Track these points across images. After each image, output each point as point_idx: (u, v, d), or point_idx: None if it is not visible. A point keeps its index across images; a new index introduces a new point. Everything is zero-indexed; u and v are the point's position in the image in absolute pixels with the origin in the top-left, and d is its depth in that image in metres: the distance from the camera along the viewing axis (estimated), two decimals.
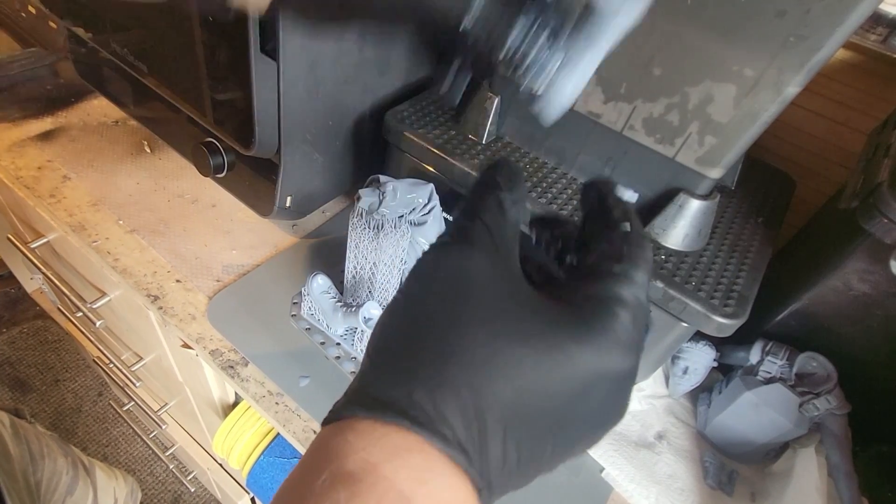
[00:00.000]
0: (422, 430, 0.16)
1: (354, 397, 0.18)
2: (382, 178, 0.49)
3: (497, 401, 0.16)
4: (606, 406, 0.19)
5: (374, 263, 0.52)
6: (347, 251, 0.52)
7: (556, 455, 0.18)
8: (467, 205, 0.20)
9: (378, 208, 0.49)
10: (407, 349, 0.17)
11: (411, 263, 0.52)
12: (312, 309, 0.55)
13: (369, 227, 0.50)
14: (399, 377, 0.17)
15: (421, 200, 0.50)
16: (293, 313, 0.57)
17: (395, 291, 0.52)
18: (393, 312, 0.19)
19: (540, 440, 0.17)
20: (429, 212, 0.51)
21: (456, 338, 0.17)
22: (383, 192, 0.48)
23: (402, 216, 0.50)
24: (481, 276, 0.18)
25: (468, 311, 0.17)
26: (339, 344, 0.54)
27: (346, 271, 0.54)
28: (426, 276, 0.19)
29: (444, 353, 0.17)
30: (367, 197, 0.49)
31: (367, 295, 0.56)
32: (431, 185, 0.50)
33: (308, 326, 0.56)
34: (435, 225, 0.52)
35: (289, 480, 0.17)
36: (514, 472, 0.17)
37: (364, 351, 0.23)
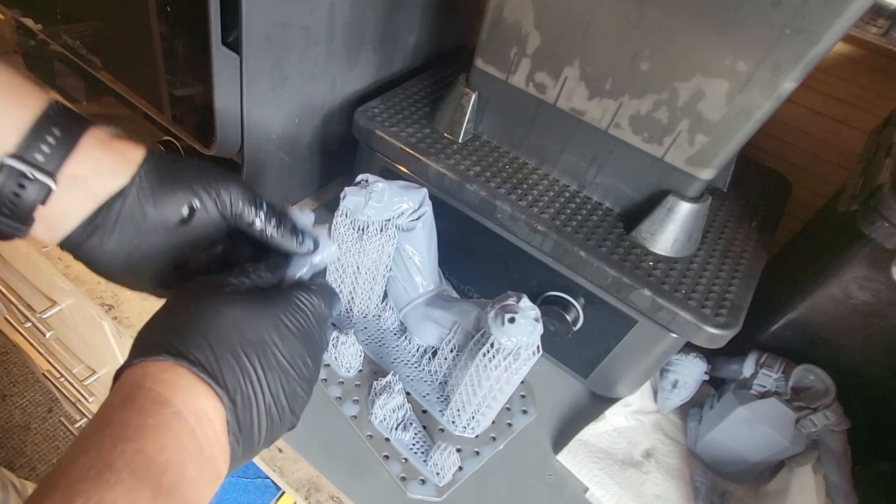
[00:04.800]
0: (175, 357, 0.26)
1: (128, 357, 0.27)
2: (372, 177, 0.47)
3: (222, 338, 0.27)
4: (286, 340, 0.30)
5: (357, 267, 0.51)
6: None
7: (275, 370, 0.29)
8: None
9: (362, 209, 0.47)
10: (163, 320, 0.28)
11: (397, 270, 0.51)
12: None
13: (353, 229, 0.49)
14: (162, 335, 0.27)
15: (410, 205, 0.48)
16: None
17: (378, 299, 0.49)
18: (156, 313, 0.29)
19: (260, 360, 0.28)
20: (418, 218, 0.49)
21: (196, 310, 0.28)
22: (370, 193, 0.47)
23: (390, 220, 0.49)
24: (212, 288, 0.29)
25: (203, 300, 0.28)
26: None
27: (327, 273, 0.53)
28: (178, 294, 0.30)
29: (189, 318, 0.27)
30: (352, 196, 0.47)
31: (348, 300, 0.55)
32: (424, 190, 0.49)
33: None
34: (424, 232, 0.50)
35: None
36: (250, 387, 0.27)
37: None
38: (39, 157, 0.29)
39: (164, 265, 0.34)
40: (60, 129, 0.30)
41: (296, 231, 0.35)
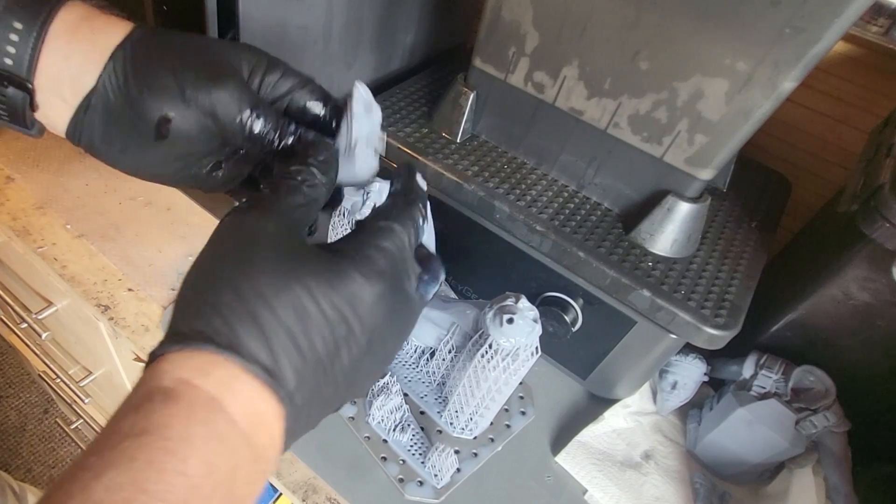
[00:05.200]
0: (222, 350, 0.20)
1: (165, 339, 0.21)
2: None
3: (281, 324, 0.21)
4: (369, 323, 0.23)
5: None
6: None
7: (349, 370, 0.23)
8: (273, 178, 0.26)
9: (360, 209, 0.47)
10: (207, 293, 0.21)
11: None
12: None
13: (350, 227, 0.48)
14: (202, 314, 0.21)
15: None
16: None
17: None
18: (197, 266, 0.23)
19: (327, 353, 0.22)
20: None
21: (245, 281, 0.21)
22: (368, 193, 0.46)
23: None
24: (266, 236, 0.23)
25: (255, 261, 0.22)
26: None
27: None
28: (223, 235, 0.23)
29: (236, 292, 0.21)
30: (350, 195, 0.47)
31: None
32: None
33: None
34: (423, 230, 0.49)
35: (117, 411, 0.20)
36: (312, 380, 0.22)
37: None
38: (7, 61, 0.25)
39: (189, 166, 0.29)
40: (22, 19, 0.25)
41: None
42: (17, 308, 0.73)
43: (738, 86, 0.40)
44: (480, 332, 0.44)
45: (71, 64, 0.26)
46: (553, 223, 0.49)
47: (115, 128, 0.27)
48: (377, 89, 0.60)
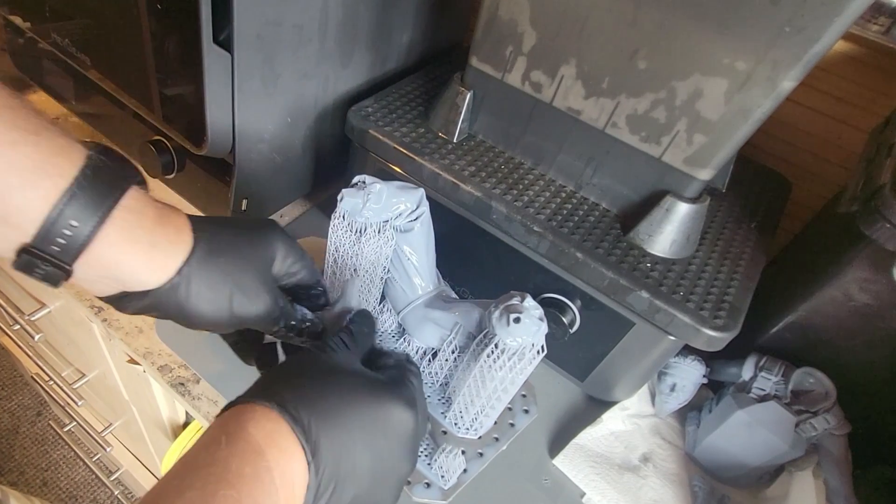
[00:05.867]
0: (280, 409, 0.27)
1: (250, 392, 0.29)
2: (369, 178, 0.47)
3: (328, 420, 0.28)
4: (399, 436, 0.31)
5: (355, 269, 0.50)
6: (326, 254, 0.50)
7: (374, 477, 0.30)
8: (341, 330, 0.37)
9: (360, 211, 0.46)
10: (293, 380, 0.30)
11: (395, 272, 0.51)
12: None
13: (351, 231, 0.48)
14: (284, 388, 0.28)
15: (408, 205, 0.48)
16: None
17: (375, 301, 0.50)
18: (297, 362, 0.32)
19: (362, 460, 0.29)
20: (416, 218, 0.48)
21: (318, 385, 0.29)
22: (367, 194, 0.46)
23: (388, 221, 0.48)
24: (337, 363, 0.33)
25: (328, 377, 0.31)
26: None
27: (324, 275, 0.52)
28: (313, 358, 0.33)
29: (311, 388, 0.29)
30: (349, 198, 0.46)
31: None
32: (421, 190, 0.48)
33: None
34: (422, 232, 0.49)
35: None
36: (341, 469, 0.28)
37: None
38: (55, 248, 0.27)
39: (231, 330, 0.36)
40: (78, 215, 0.26)
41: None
42: (9, 309, 0.73)
43: (738, 85, 0.40)
44: (485, 331, 0.44)
45: (123, 269, 0.29)
46: (551, 224, 0.48)
47: (164, 316, 0.32)
48: (373, 88, 0.60)
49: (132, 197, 0.29)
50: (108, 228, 0.27)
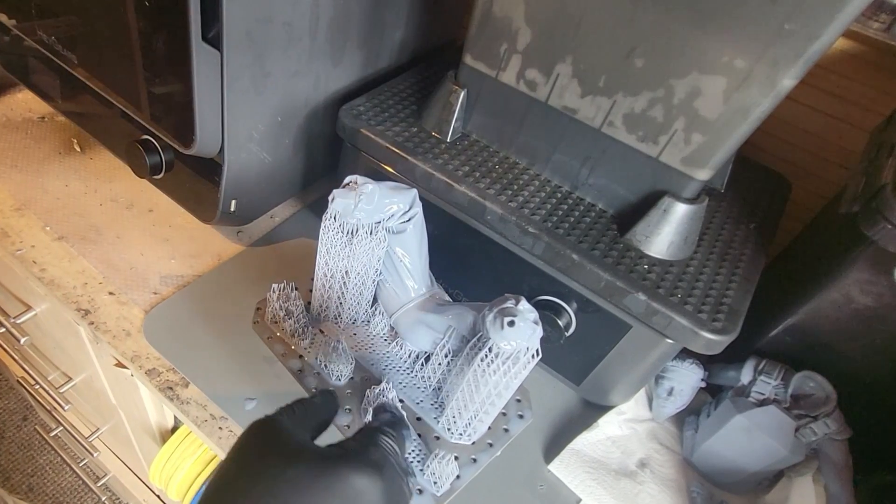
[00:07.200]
0: None
1: None
2: (361, 179, 0.46)
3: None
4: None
5: (346, 271, 0.50)
6: (318, 255, 0.50)
7: None
8: (292, 404, 0.36)
9: (352, 211, 0.46)
10: (228, 483, 0.29)
11: (387, 274, 0.50)
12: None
13: (342, 232, 0.48)
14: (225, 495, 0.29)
15: (401, 206, 0.47)
16: (255, 320, 0.54)
17: (367, 304, 0.49)
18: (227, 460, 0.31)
19: None
20: (409, 219, 0.48)
21: (261, 466, 0.29)
22: (359, 195, 0.45)
23: (380, 222, 0.47)
24: (280, 437, 0.31)
25: (271, 455, 0.30)
26: (301, 357, 0.52)
27: (315, 277, 0.52)
28: (251, 434, 0.32)
29: (251, 484, 0.28)
30: (340, 198, 0.46)
31: (336, 305, 0.54)
32: (414, 191, 0.48)
33: (270, 335, 0.53)
34: (415, 234, 0.49)
35: None
36: None
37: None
38: None
39: None
40: None
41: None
42: None
43: (736, 84, 0.39)
44: (479, 335, 0.43)
45: None
46: (546, 225, 0.47)
47: None
48: (365, 87, 0.60)
49: None
50: None
